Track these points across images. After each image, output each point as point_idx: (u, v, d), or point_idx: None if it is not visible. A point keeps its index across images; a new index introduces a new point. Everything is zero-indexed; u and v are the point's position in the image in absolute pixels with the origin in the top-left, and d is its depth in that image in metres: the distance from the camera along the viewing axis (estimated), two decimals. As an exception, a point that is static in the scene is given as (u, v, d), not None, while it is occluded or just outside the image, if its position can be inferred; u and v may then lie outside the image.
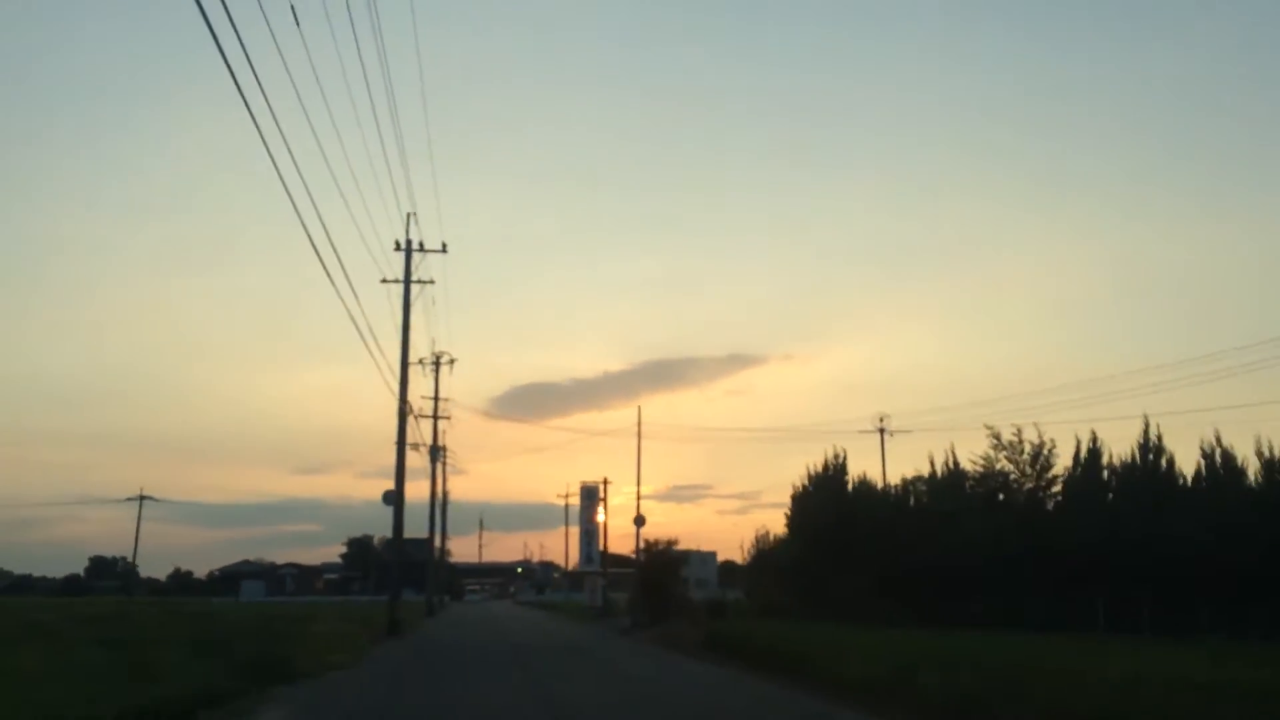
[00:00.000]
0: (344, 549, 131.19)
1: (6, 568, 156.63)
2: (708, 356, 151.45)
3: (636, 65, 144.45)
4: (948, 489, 25.41)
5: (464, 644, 25.01)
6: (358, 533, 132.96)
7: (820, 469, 29.18)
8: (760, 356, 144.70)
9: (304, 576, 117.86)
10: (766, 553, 43.45)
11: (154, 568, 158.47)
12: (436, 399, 49.30)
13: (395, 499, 28.90)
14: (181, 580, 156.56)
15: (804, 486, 29.98)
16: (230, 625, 26.24)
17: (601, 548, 47.27)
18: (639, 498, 33.61)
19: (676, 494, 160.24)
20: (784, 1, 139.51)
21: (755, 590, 39.39)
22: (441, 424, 49.95)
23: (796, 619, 28.58)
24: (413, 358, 46.26)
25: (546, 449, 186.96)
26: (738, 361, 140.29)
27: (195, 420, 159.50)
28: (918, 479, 26.76)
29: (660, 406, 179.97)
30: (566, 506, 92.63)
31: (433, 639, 27.69)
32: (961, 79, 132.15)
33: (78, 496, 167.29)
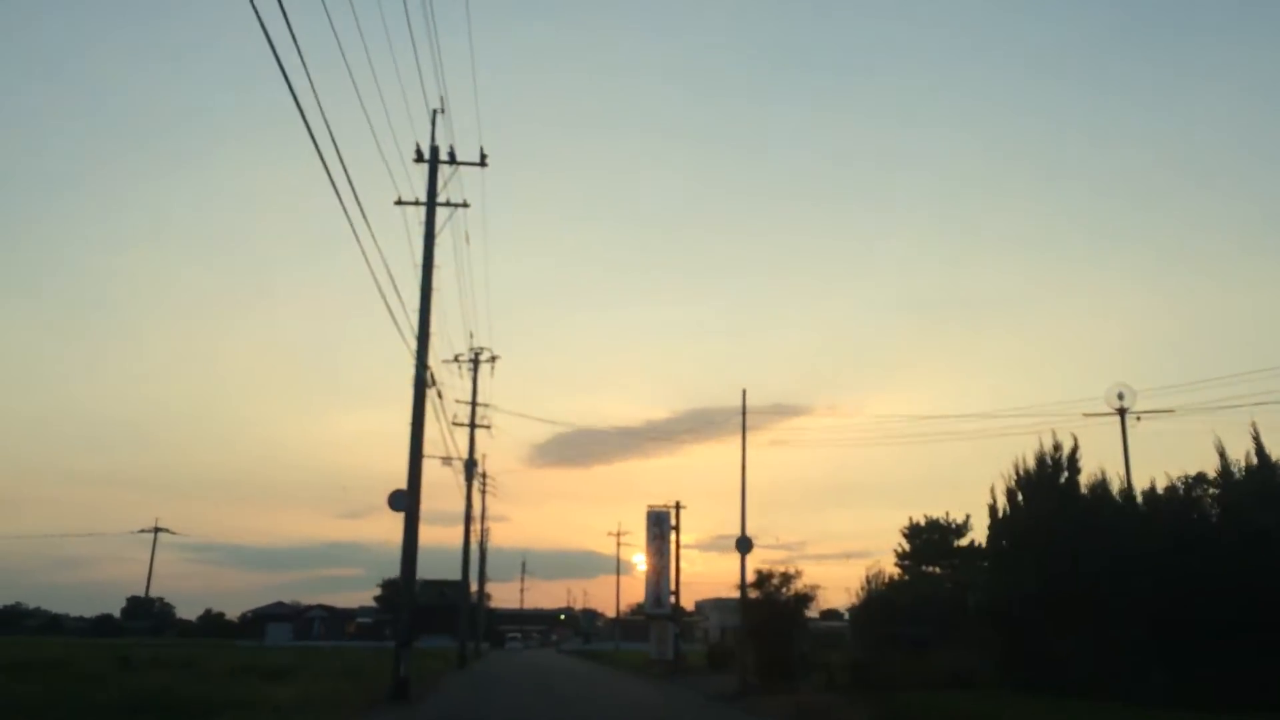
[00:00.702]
0: (379, 591, 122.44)
1: (46, 607, 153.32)
2: (751, 406, 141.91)
3: (688, 114, 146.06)
4: (1261, 494, 15.86)
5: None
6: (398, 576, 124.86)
7: (1030, 466, 19.47)
8: (804, 406, 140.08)
9: (334, 620, 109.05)
10: (881, 597, 33.81)
11: (193, 609, 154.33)
12: (474, 403, 40.65)
13: (406, 501, 20.03)
14: (212, 622, 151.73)
15: (1011, 491, 20.05)
16: (152, 685, 17.46)
17: (673, 589, 37.87)
18: (744, 513, 24.22)
19: (719, 544, 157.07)
20: (832, 54, 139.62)
21: (873, 644, 29.39)
22: (481, 448, 41.17)
23: (980, 685, 19.05)
24: (446, 353, 37.57)
25: (589, 495, 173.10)
26: (782, 411, 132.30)
27: (242, 463, 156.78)
28: (1200, 479, 17.39)
29: (703, 456, 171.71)
30: (619, 546, 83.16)
31: (454, 711, 18.57)
32: (1003, 126, 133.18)
33: (122, 536, 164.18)
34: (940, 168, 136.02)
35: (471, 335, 41.92)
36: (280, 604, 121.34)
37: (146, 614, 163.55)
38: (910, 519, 43.18)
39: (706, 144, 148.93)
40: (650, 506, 38.76)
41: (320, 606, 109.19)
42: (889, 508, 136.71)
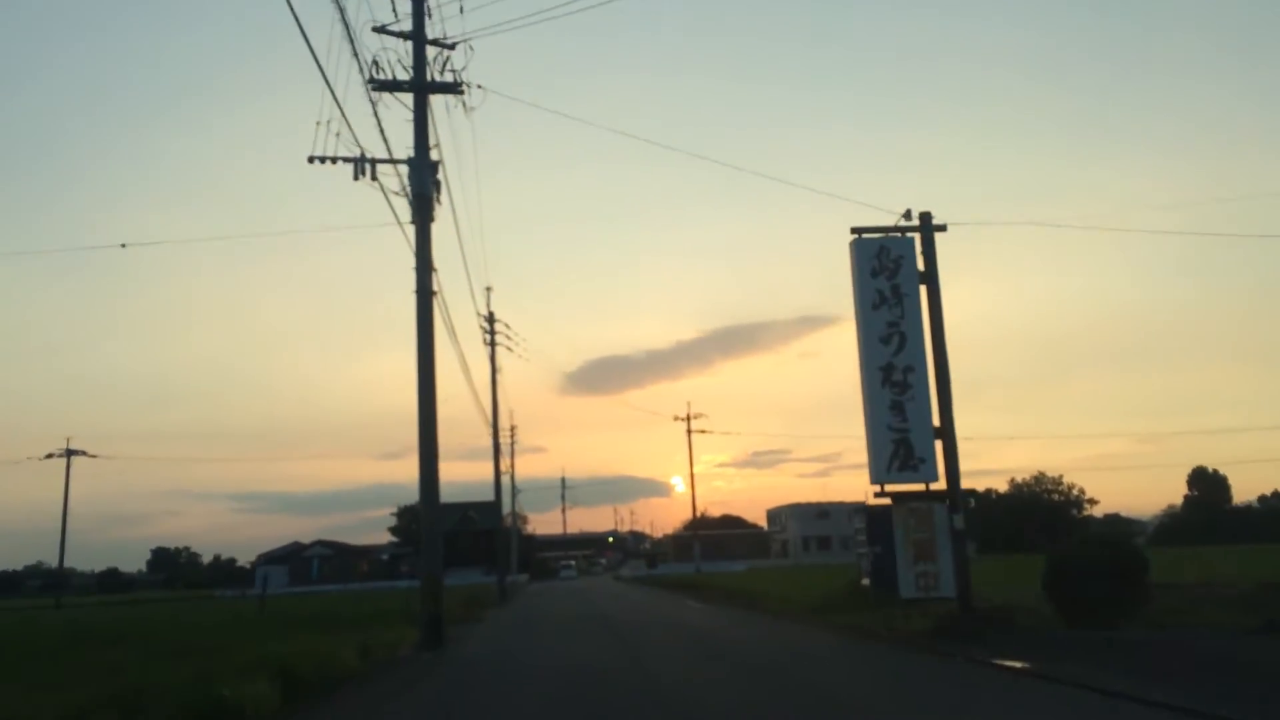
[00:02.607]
0: (394, 521, 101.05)
1: (74, 566, 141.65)
2: (779, 320, 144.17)
3: (707, 28, 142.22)
4: None
5: None
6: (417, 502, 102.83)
7: None
8: (832, 317, 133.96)
9: (340, 558, 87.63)
10: None
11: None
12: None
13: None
14: (221, 569, 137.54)
15: None
16: None
17: (937, 421, 14.82)
18: None
19: (756, 460, 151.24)
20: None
21: None
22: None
23: None
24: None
25: (622, 420, 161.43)
26: (809, 323, 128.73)
27: (283, 411, 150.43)
28: None
29: (733, 373, 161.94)
30: (689, 434, 60.78)
31: None
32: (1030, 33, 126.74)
33: (175, 492, 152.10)
34: (966, 72, 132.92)
35: None
36: (297, 544, 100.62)
37: (171, 565, 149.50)
38: None
39: (732, 61, 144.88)
40: (857, 230, 15.46)
41: (321, 543, 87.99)
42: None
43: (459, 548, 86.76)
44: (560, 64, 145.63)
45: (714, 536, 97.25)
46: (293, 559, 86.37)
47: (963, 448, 14.46)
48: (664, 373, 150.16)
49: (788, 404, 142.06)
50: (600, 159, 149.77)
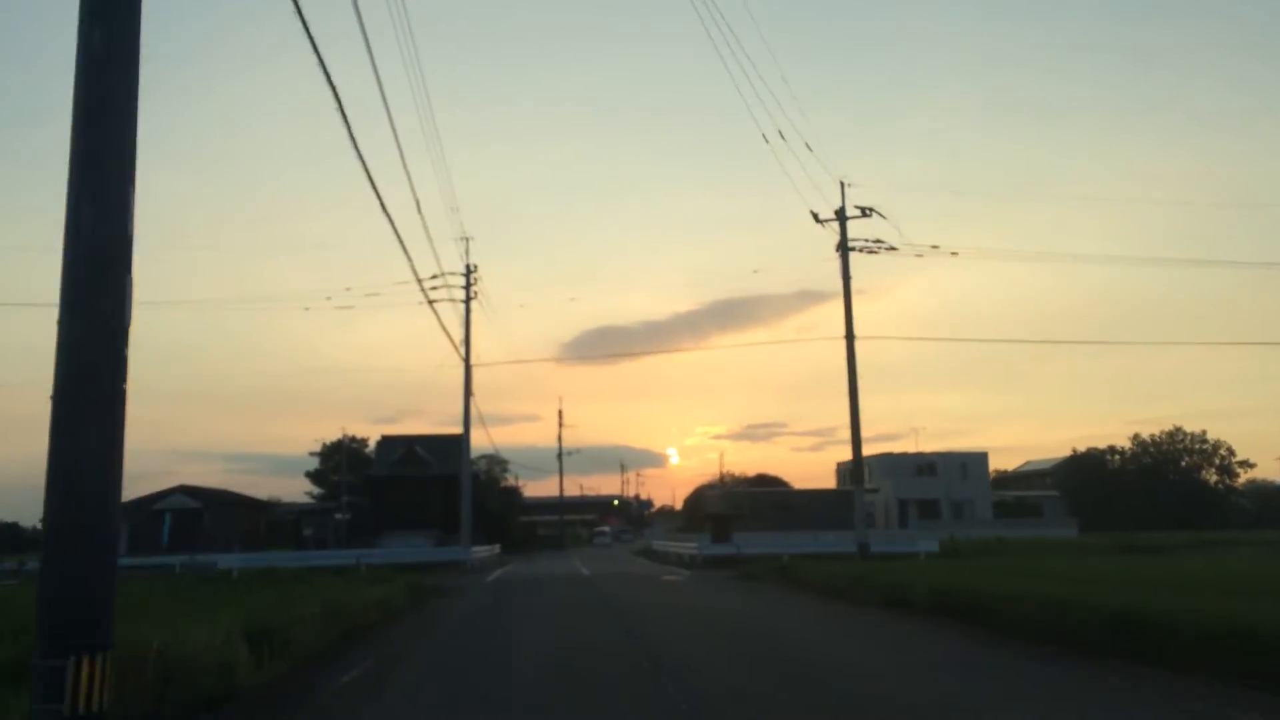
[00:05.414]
0: (316, 463, 68.47)
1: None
2: (777, 294, 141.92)
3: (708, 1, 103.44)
4: None
5: None
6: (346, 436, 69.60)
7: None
8: (830, 292, 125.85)
9: (214, 513, 55.21)
10: None
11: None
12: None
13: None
14: None
15: None
16: None
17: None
18: None
19: (750, 433, 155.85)
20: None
21: None
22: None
23: None
24: None
25: (618, 391, 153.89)
26: (807, 298, 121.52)
27: (278, 371, 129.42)
28: None
29: (730, 346, 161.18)
30: (844, 245, 28.70)
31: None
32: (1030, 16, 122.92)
33: (170, 451, 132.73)
34: (967, 38, 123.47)
35: None
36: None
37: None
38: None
39: (728, 26, 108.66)
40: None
41: (184, 491, 55.48)
42: (914, 390, 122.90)
43: (398, 501, 54.89)
44: (557, 34, 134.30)
45: (782, 495, 65.37)
46: (138, 514, 53.84)
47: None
48: (661, 344, 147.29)
49: (784, 378, 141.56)
50: (599, 130, 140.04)
